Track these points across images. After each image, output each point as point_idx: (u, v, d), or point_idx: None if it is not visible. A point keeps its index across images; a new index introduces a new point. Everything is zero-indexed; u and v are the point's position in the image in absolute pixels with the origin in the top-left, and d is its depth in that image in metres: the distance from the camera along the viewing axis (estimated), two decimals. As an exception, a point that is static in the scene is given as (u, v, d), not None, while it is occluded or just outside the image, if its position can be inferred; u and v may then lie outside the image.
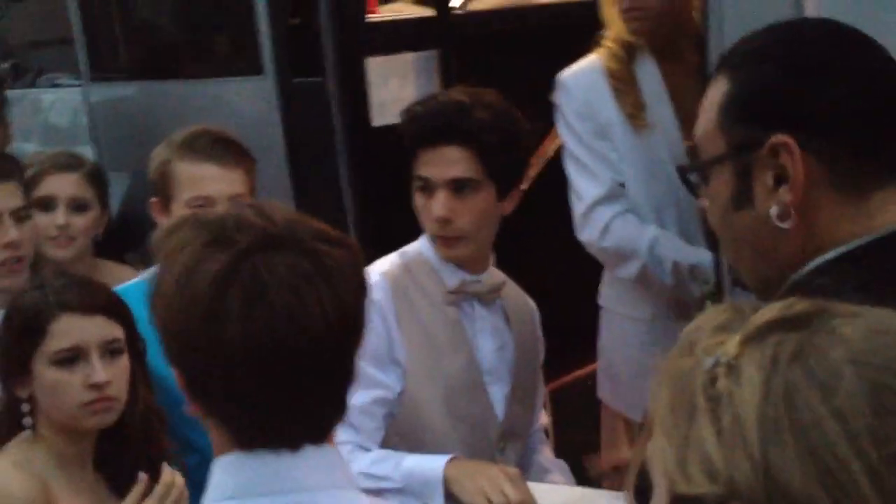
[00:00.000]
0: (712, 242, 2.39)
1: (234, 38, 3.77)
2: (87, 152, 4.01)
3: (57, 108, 4.89)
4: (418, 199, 2.29)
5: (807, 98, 1.32)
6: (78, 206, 2.97)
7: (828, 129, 1.31)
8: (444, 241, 2.29)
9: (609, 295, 2.96)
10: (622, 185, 2.76)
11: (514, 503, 2.04)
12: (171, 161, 2.46)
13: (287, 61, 3.43)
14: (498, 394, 2.37)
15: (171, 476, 2.06)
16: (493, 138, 2.23)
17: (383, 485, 2.16)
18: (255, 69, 3.47)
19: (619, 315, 2.93)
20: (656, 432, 0.87)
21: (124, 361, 2.08)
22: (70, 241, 2.97)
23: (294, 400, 1.29)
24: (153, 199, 2.52)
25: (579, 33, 2.83)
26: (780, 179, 1.32)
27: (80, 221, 2.97)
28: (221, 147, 2.45)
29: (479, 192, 2.26)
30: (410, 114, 2.29)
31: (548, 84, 2.82)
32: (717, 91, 1.38)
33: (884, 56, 1.37)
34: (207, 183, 2.42)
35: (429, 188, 2.26)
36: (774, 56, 1.36)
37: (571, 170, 2.81)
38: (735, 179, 1.36)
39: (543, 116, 2.86)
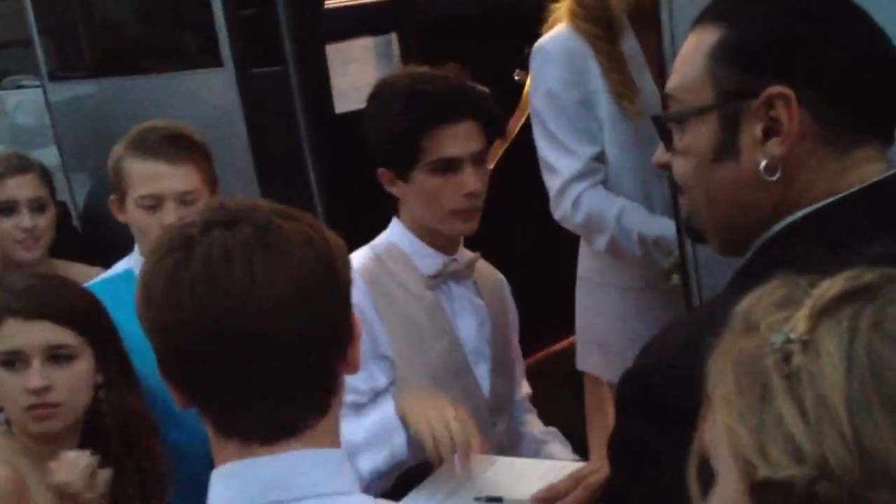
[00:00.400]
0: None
1: (191, 30, 3.74)
2: (52, 152, 4.01)
3: (21, 109, 4.88)
4: (432, 181, 2.22)
5: (804, 50, 1.30)
6: (38, 207, 2.98)
7: (822, 83, 1.30)
8: (469, 215, 2.25)
9: (593, 266, 2.90)
10: (601, 154, 2.72)
11: (457, 440, 1.98)
12: (123, 159, 2.45)
13: (246, 51, 3.41)
14: (482, 371, 2.36)
15: (74, 461, 2.02)
16: (494, 110, 2.26)
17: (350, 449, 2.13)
18: (215, 61, 3.45)
19: (604, 285, 2.88)
20: (720, 417, 0.83)
21: (76, 367, 2.05)
22: (36, 241, 2.97)
23: (256, 384, 1.23)
24: (112, 198, 2.51)
25: (537, 14, 2.82)
26: (770, 132, 1.30)
27: (43, 221, 2.98)
28: (169, 143, 2.42)
29: (485, 163, 2.28)
30: (416, 93, 2.20)
31: (507, 64, 2.81)
32: (703, 40, 1.35)
33: (865, 15, 1.36)
34: (156, 180, 2.40)
35: (452, 166, 2.21)
36: (771, 7, 1.35)
37: (545, 145, 2.75)
38: (720, 130, 1.33)
39: (504, 97, 2.85)
